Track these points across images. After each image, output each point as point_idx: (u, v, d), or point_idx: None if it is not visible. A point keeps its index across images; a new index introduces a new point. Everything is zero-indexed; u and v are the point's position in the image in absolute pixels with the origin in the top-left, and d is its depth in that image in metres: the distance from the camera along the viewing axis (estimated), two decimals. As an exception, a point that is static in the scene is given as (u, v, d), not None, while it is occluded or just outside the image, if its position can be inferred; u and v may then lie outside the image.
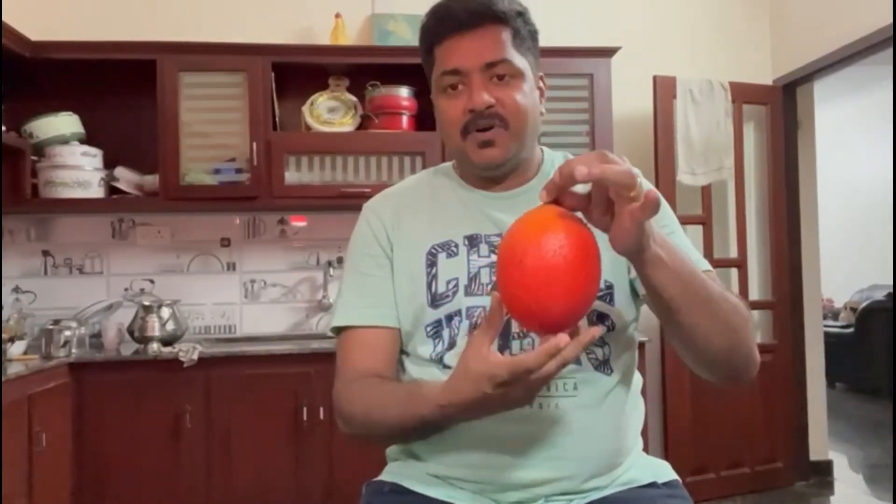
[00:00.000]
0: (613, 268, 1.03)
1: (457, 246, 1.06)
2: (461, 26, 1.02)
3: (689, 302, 0.87)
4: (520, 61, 1.03)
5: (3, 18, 2.56)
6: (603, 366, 1.02)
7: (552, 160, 1.14)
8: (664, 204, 1.08)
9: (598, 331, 0.80)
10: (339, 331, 1.10)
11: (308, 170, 2.97)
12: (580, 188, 0.79)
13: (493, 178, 1.09)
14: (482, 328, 0.83)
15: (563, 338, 0.77)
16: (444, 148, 2.94)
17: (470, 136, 1.03)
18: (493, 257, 1.04)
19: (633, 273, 1.04)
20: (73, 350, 2.66)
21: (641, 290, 1.06)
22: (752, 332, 0.94)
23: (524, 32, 1.05)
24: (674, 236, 1.05)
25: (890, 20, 2.74)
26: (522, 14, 1.05)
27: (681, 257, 0.86)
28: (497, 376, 0.80)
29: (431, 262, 1.06)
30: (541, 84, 1.09)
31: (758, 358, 0.96)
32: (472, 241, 1.06)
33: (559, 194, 0.80)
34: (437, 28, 1.05)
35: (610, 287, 1.03)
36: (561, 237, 0.77)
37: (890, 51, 2.91)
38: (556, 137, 2.92)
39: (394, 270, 1.08)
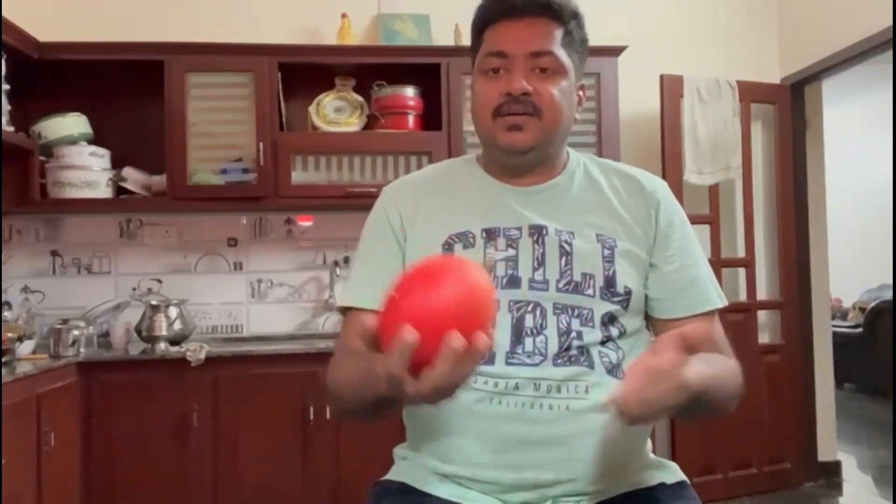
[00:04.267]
0: (636, 275, 1.05)
1: (474, 237, 1.06)
2: (515, 11, 1.03)
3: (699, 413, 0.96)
4: (565, 59, 1.04)
5: (13, 20, 2.57)
6: (615, 370, 1.02)
7: (577, 160, 1.14)
8: (687, 231, 1.10)
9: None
10: (345, 311, 1.10)
11: (314, 170, 2.98)
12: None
13: (516, 167, 1.09)
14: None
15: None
16: (450, 148, 2.95)
17: (500, 119, 1.04)
18: (511, 251, 1.04)
19: (646, 286, 1.07)
20: (82, 349, 2.67)
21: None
22: (741, 388, 1.03)
23: (576, 35, 1.06)
24: (693, 268, 1.08)
25: (899, 18, 2.72)
26: (577, 17, 1.06)
27: (705, 391, 0.88)
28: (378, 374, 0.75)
29: (448, 252, 1.06)
30: (580, 92, 1.10)
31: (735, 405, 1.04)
32: (490, 235, 1.06)
33: None
34: (492, 9, 1.06)
35: (628, 293, 1.04)
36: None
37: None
38: (563, 137, 2.91)
39: (406, 258, 1.08)
